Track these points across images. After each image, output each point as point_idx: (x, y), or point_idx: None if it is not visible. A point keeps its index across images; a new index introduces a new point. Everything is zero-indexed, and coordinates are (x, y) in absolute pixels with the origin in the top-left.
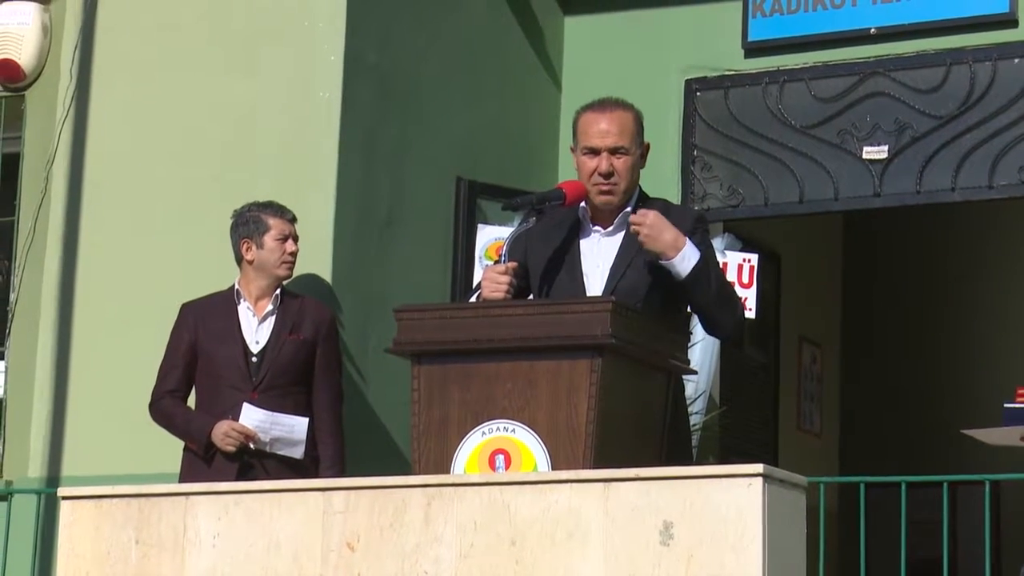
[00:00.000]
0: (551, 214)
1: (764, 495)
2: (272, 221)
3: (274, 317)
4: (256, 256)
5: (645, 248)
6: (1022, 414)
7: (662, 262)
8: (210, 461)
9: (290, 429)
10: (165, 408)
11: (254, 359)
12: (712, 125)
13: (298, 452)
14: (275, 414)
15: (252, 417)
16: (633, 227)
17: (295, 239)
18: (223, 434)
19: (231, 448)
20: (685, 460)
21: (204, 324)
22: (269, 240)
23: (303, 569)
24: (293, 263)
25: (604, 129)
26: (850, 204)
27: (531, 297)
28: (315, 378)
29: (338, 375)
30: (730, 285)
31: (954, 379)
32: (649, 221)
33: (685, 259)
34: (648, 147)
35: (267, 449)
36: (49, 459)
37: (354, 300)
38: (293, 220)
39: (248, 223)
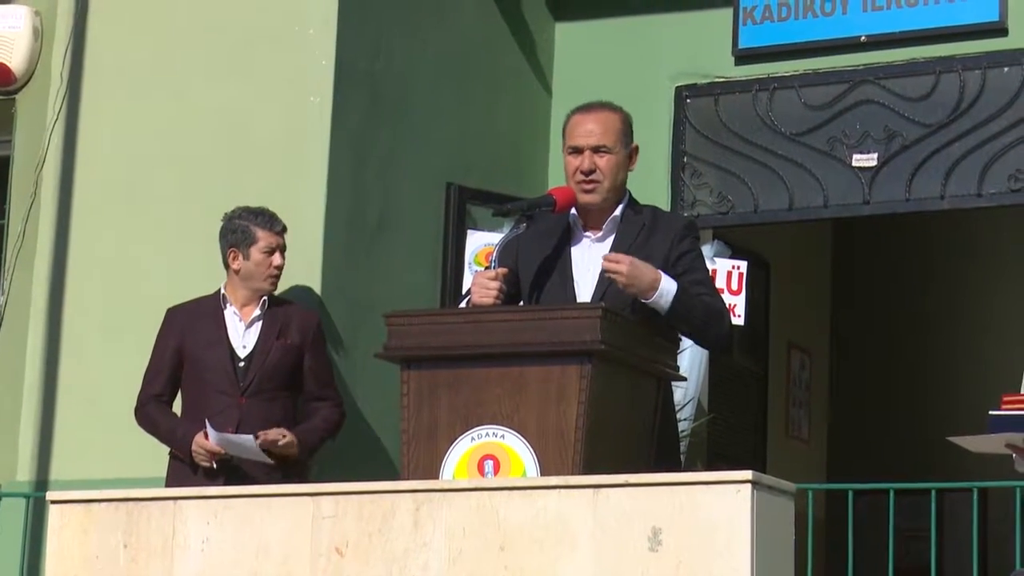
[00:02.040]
0: (541, 220)
1: (752, 502)
2: (260, 233)
3: (261, 322)
4: (242, 267)
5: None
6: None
7: (643, 301)
8: (196, 468)
9: (242, 448)
10: (150, 414)
11: (241, 364)
12: (702, 132)
13: (266, 458)
14: (225, 435)
15: (212, 436)
16: (608, 274)
17: (282, 251)
18: (192, 451)
19: (204, 463)
20: (674, 466)
21: (191, 328)
22: (256, 253)
23: (292, 574)
24: (278, 277)
25: (588, 129)
26: (839, 211)
27: (521, 303)
28: (307, 384)
29: (333, 379)
30: (718, 298)
31: (942, 386)
32: (626, 270)
33: (664, 295)
34: (637, 149)
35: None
36: (38, 463)
37: (344, 305)
38: (283, 231)
39: (236, 232)
